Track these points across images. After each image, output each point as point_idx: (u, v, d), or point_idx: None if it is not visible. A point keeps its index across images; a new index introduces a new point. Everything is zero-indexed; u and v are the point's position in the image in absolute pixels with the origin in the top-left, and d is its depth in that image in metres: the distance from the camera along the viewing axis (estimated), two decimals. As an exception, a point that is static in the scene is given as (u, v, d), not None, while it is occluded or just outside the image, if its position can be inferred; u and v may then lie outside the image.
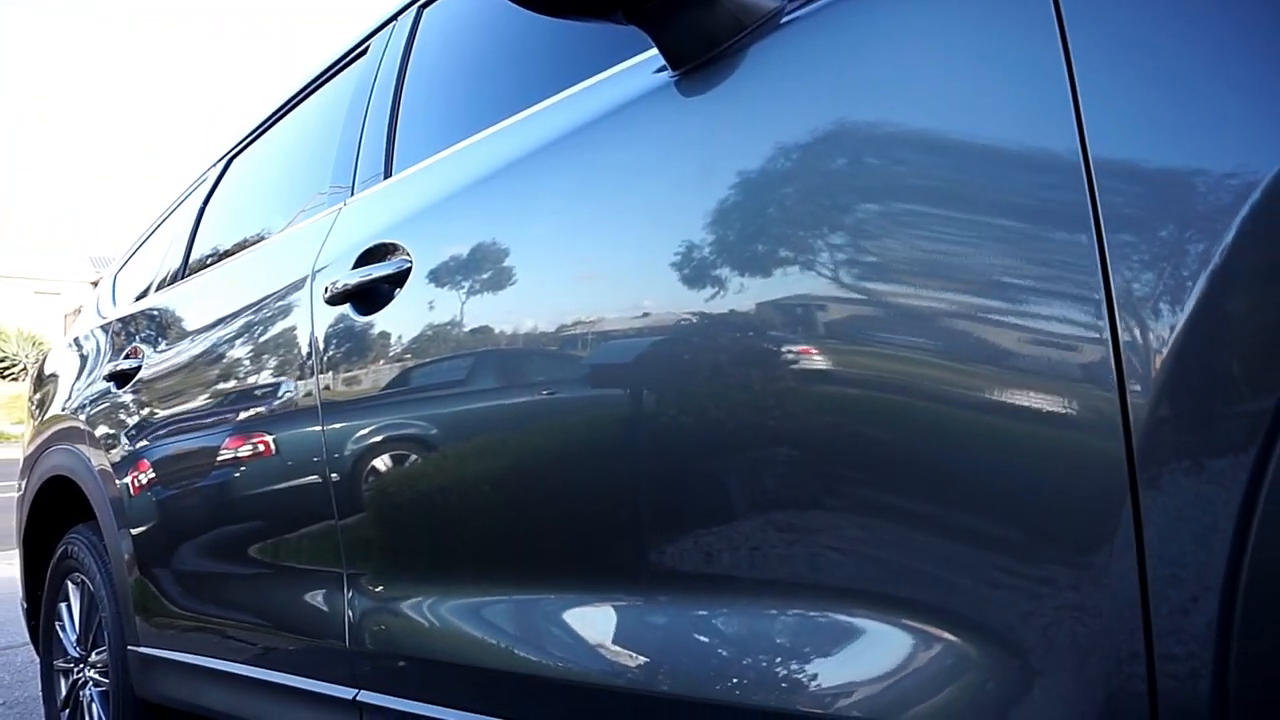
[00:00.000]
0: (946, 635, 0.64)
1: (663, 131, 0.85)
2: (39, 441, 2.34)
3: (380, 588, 1.17)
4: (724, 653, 0.77)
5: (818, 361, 0.70)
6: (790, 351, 0.72)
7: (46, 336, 24.48)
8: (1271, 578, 0.49)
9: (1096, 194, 0.56)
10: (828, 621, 0.71)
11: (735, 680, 0.76)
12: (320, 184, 1.54)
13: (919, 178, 0.66)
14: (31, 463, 2.37)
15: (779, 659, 0.74)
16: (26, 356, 23.23)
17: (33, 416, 2.51)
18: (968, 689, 0.63)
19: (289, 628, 1.35)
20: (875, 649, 0.69)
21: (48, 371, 2.47)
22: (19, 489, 2.51)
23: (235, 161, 2.04)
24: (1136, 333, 0.54)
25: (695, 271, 0.79)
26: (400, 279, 1.12)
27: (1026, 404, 0.59)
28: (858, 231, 0.68)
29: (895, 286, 0.65)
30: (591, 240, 0.91)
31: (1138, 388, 0.53)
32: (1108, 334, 0.55)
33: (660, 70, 0.87)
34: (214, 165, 2.14)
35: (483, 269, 1.02)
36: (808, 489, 0.71)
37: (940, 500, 0.64)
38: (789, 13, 0.78)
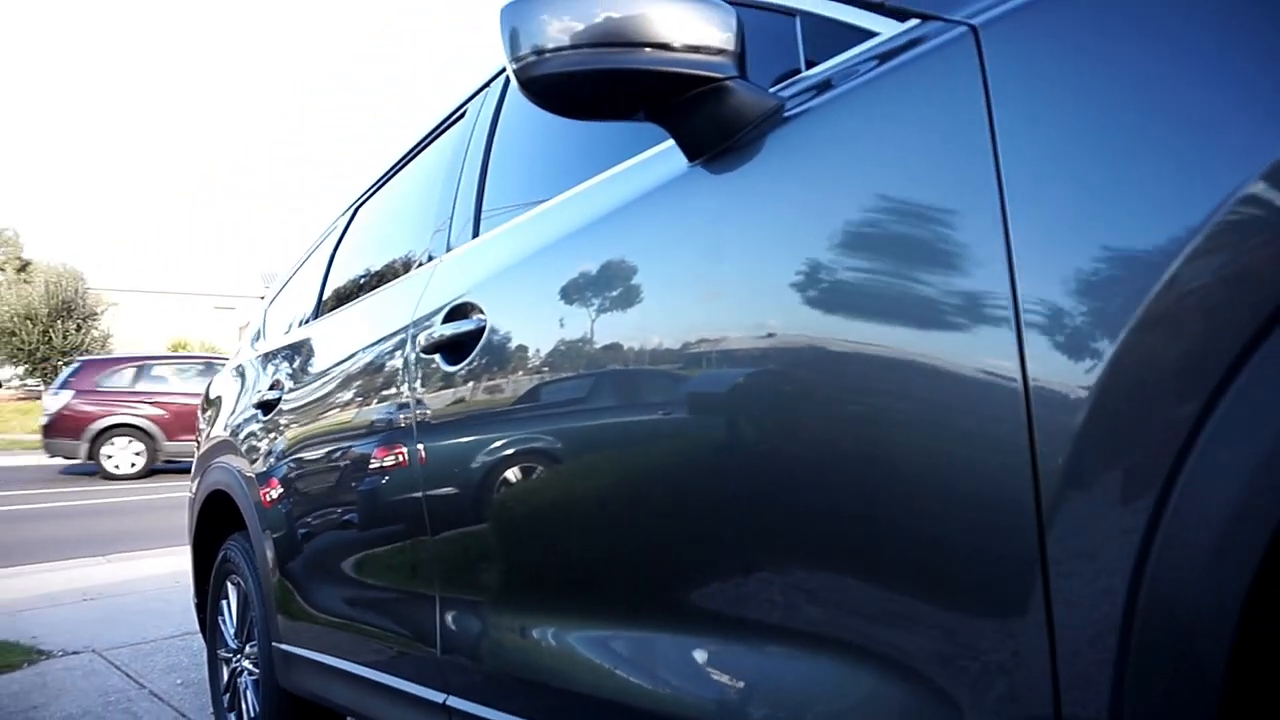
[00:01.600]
0: (905, 679, 0.71)
1: (684, 213, 0.95)
2: (205, 457, 2.68)
3: (467, 605, 1.33)
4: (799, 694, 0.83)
5: (799, 426, 0.79)
6: (779, 412, 0.80)
7: (224, 347, 26.95)
8: (1162, 627, 0.54)
9: (1016, 281, 0.63)
10: (819, 664, 0.79)
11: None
12: (426, 237, 1.72)
13: (868, 255, 0.74)
14: (199, 476, 2.72)
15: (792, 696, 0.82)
16: (208, 365, 25.69)
17: (200, 433, 2.87)
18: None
19: (391, 635, 1.53)
20: (851, 686, 0.76)
21: (213, 395, 2.82)
22: (191, 492, 2.87)
23: (360, 211, 2.27)
24: (1047, 406, 0.60)
25: (705, 336, 0.89)
26: (478, 335, 1.27)
27: (949, 471, 0.66)
28: (831, 304, 0.77)
29: (852, 358, 0.74)
30: (622, 311, 1.02)
31: (1047, 457, 0.60)
32: (1023, 411, 0.61)
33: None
34: (343, 214, 2.39)
35: (537, 331, 1.15)
36: (792, 551, 0.80)
37: (894, 562, 0.71)
38: (789, 109, 0.87)
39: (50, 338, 21.18)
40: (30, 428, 19.56)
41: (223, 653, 2.48)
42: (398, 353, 1.52)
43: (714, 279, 0.89)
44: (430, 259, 1.62)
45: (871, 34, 0.85)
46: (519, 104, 1.56)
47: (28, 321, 21.01)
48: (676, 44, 0.86)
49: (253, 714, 2.21)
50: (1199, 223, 0.54)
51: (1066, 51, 0.64)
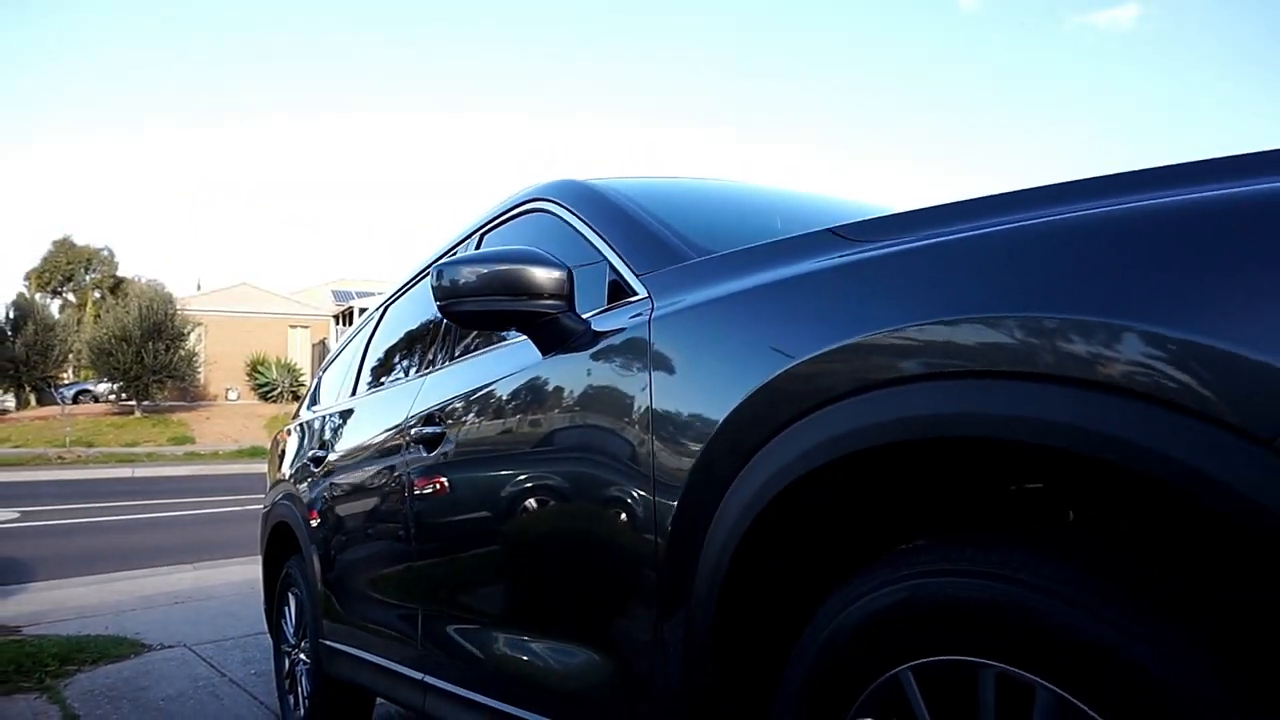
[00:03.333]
0: (615, 658, 1.34)
1: (536, 387, 1.60)
2: (273, 490, 3.42)
3: (437, 610, 1.98)
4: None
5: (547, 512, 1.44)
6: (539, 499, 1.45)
7: (299, 364, 28.52)
8: (696, 606, 1.16)
9: (655, 438, 1.25)
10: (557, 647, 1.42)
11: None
12: (426, 349, 2.39)
13: (598, 421, 1.39)
14: (269, 506, 3.46)
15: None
16: (283, 381, 27.23)
17: (272, 467, 3.62)
18: (628, 693, 1.32)
19: (391, 633, 2.20)
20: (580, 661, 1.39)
21: (281, 445, 3.56)
22: (265, 507, 3.60)
23: (389, 310, 2.97)
24: (664, 520, 1.22)
25: (536, 452, 1.53)
26: (442, 437, 1.93)
27: (621, 550, 1.29)
28: (588, 444, 1.40)
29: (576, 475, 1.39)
30: (506, 436, 1.68)
31: (662, 530, 1.22)
32: (654, 523, 1.24)
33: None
34: (379, 308, 3.09)
35: (467, 443, 1.81)
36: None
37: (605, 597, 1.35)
38: (594, 328, 1.50)
39: (143, 357, 22.80)
40: (124, 440, 21.16)
41: (284, 647, 3.19)
42: (399, 438, 2.19)
43: (551, 422, 1.53)
44: (431, 364, 2.28)
45: (636, 291, 1.48)
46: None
47: (123, 343, 22.67)
48: (534, 292, 1.51)
49: (305, 694, 2.91)
50: (734, 403, 1.13)
51: (693, 330, 1.27)
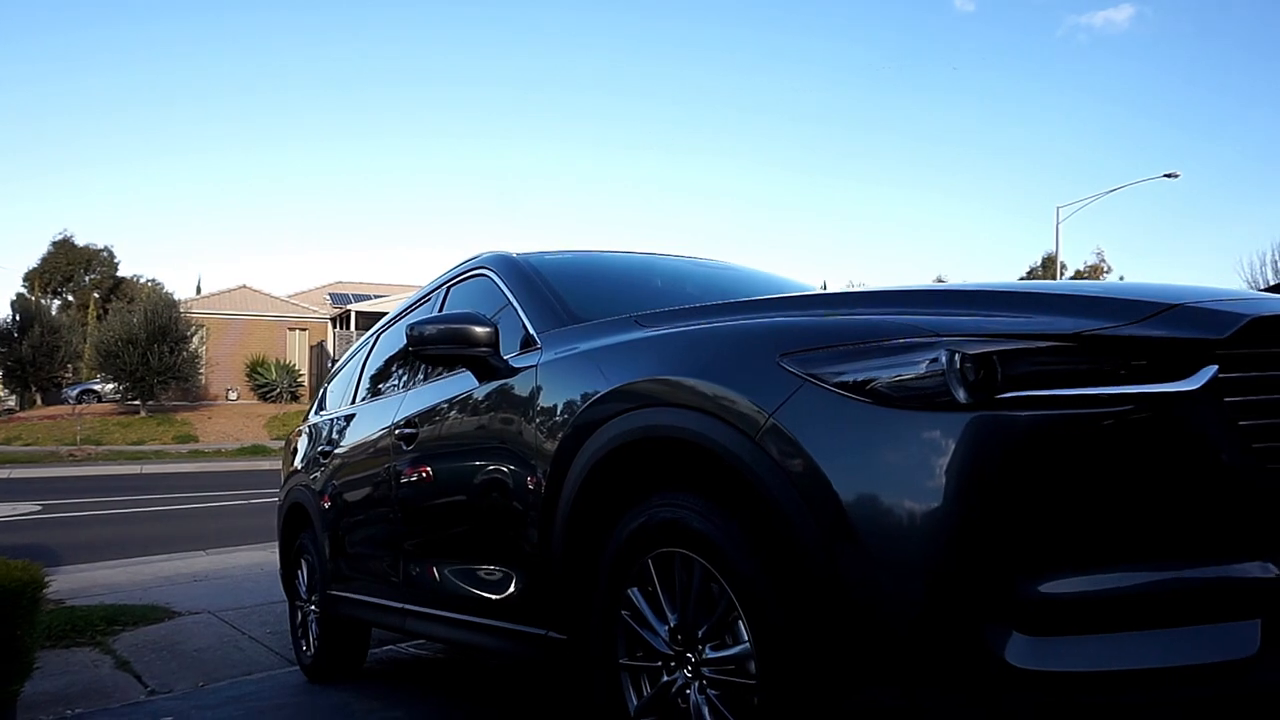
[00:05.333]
0: (518, 572, 2.16)
1: (473, 405, 2.43)
2: (287, 480, 4.24)
3: (414, 558, 2.81)
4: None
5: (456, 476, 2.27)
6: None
7: (297, 365, 29.35)
8: (564, 541, 1.99)
9: (539, 436, 2.09)
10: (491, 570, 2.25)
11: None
12: (408, 370, 3.22)
13: (502, 427, 2.21)
14: (284, 493, 4.28)
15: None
16: (282, 381, 28.05)
17: (285, 464, 4.44)
18: (525, 594, 2.15)
19: (381, 577, 3.03)
20: (503, 582, 2.21)
21: (294, 441, 4.39)
22: (280, 499, 4.42)
23: (381, 337, 3.79)
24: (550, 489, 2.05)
25: (473, 450, 2.36)
26: (416, 436, 2.75)
27: (518, 486, 2.13)
28: (505, 440, 2.23)
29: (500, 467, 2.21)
30: (451, 439, 2.50)
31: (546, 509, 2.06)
32: (539, 485, 2.07)
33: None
34: (373, 333, 3.91)
35: (430, 440, 2.64)
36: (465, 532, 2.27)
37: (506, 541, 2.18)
38: (512, 365, 2.33)
39: (148, 359, 23.53)
40: (131, 439, 21.94)
41: (298, 603, 4.02)
42: (387, 437, 3.02)
43: (484, 424, 2.36)
44: (410, 382, 3.10)
45: (537, 343, 2.30)
46: (452, 308, 3.05)
47: (129, 345, 23.39)
48: (473, 342, 2.33)
49: (314, 637, 3.73)
50: (576, 412, 1.95)
51: (560, 372, 2.10)
